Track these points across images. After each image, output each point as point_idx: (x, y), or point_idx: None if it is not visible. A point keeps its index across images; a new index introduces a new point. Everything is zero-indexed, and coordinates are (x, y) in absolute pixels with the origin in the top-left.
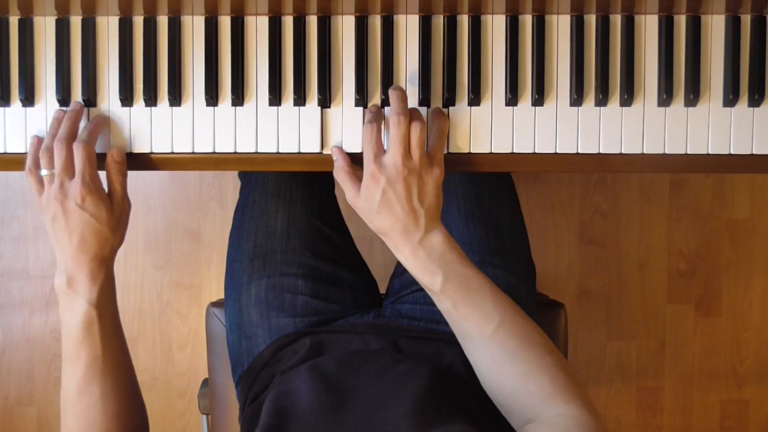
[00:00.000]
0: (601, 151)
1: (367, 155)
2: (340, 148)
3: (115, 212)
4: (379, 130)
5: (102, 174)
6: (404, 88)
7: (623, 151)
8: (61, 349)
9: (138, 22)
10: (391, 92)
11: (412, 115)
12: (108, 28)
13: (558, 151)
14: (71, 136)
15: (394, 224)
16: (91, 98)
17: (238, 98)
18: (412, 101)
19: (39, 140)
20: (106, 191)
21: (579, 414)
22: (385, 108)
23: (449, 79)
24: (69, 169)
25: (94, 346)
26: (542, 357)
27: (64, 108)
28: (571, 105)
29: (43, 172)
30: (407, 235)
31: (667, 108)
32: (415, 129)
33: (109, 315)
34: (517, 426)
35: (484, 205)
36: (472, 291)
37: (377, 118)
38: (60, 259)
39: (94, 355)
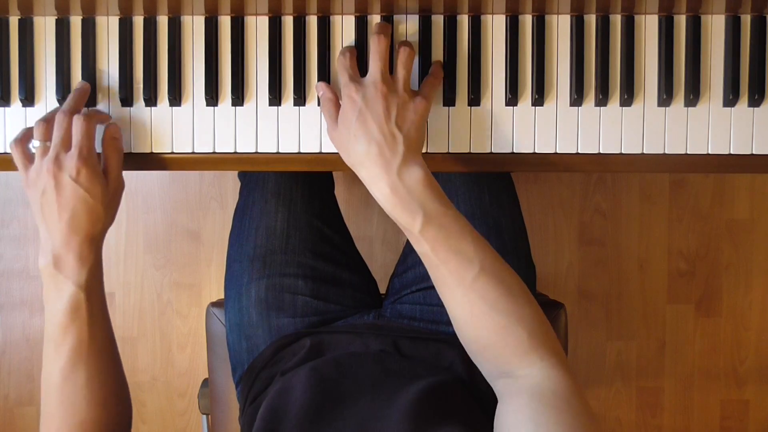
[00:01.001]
0: (601, 151)
1: (344, 78)
2: (326, 83)
3: (109, 190)
4: (353, 57)
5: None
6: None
7: (623, 151)
8: (45, 332)
9: (138, 22)
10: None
11: (402, 41)
12: (108, 28)
13: (558, 151)
14: (74, 110)
15: (369, 147)
16: (91, 98)
17: (238, 98)
18: None
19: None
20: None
21: (554, 373)
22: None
23: (449, 79)
24: (66, 142)
25: (80, 330)
26: (522, 308)
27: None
28: (571, 105)
29: (35, 143)
30: (384, 163)
31: (667, 108)
32: (403, 51)
33: (97, 299)
34: (489, 376)
35: (485, 205)
36: (453, 234)
37: (350, 48)
38: (46, 238)
39: (79, 339)
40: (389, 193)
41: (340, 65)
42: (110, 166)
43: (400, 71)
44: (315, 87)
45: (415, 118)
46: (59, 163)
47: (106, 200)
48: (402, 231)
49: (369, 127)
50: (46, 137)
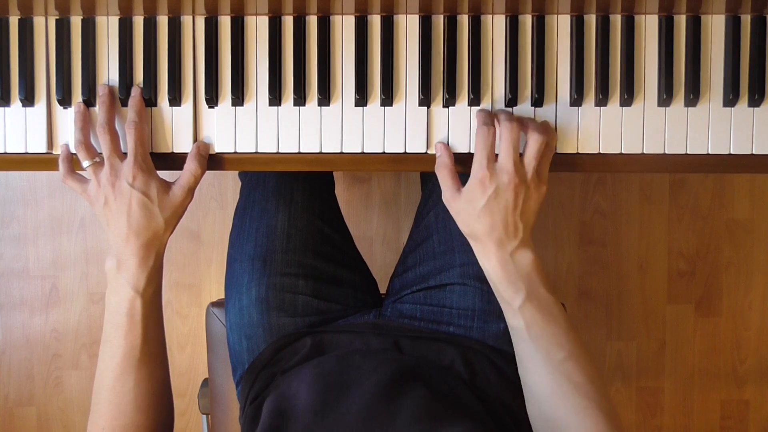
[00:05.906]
0: (602, 151)
1: (480, 159)
2: (446, 145)
3: (170, 197)
4: (494, 135)
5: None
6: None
7: (623, 151)
8: (103, 331)
9: (138, 22)
10: (495, 113)
11: (531, 126)
12: (108, 28)
13: (558, 151)
14: (110, 121)
15: (491, 232)
16: (90, 98)
17: (238, 98)
18: (412, 102)
19: (68, 147)
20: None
21: None
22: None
23: (449, 80)
24: (118, 151)
25: (134, 334)
26: (602, 397)
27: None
28: (571, 105)
29: (85, 164)
30: (501, 245)
31: (667, 108)
32: (535, 139)
33: (154, 305)
34: None
35: None
36: (549, 317)
37: (493, 121)
38: (112, 243)
39: (133, 343)
40: (498, 267)
41: (480, 140)
42: (186, 178)
43: (531, 162)
44: (434, 146)
45: (536, 207)
46: (116, 171)
47: (165, 204)
48: (401, 231)
49: (495, 216)
50: (91, 155)
